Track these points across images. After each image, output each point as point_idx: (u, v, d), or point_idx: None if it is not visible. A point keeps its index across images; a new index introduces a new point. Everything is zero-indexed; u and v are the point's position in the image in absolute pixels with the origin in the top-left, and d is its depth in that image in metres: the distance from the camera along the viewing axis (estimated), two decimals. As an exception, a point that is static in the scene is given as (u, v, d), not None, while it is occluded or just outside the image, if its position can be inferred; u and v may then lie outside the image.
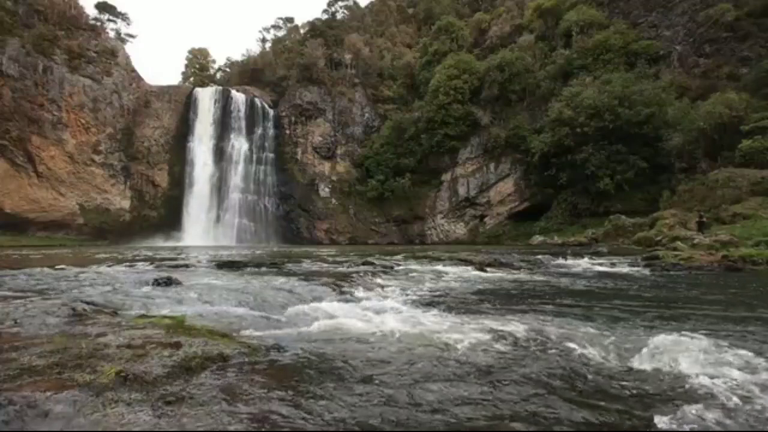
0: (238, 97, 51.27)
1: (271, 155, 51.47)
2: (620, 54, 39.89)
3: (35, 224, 42.98)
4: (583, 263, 14.14)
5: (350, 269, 10.75)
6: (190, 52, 77.05)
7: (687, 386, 2.77)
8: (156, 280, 7.37)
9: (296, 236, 49.80)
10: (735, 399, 2.56)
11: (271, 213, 50.70)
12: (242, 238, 46.95)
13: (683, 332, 4.18)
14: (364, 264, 12.40)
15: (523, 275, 10.93)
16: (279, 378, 2.90)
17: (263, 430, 2.11)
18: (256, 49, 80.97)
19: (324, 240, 49.02)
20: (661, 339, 3.90)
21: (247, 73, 61.96)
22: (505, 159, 44.63)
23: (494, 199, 45.29)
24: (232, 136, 50.12)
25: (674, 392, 2.71)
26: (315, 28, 63.34)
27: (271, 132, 52.13)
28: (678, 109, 32.43)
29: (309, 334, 4.31)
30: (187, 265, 11.94)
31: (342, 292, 7.28)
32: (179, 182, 48.74)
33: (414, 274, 10.59)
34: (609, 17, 43.61)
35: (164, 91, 51.26)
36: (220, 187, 48.76)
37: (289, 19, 73.62)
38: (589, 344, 3.89)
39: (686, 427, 2.26)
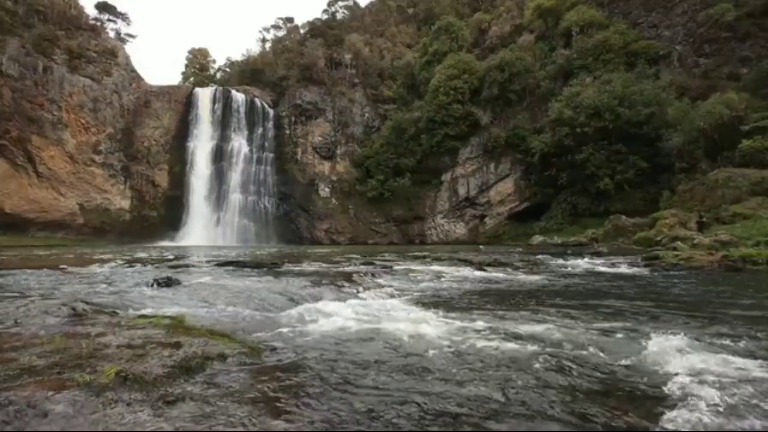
0: (238, 97, 51.24)
1: (271, 155, 51.43)
2: (620, 54, 39.88)
3: (35, 224, 42.93)
4: (583, 263, 14.13)
5: (350, 269, 10.75)
6: (190, 52, 77.10)
7: (685, 387, 2.77)
8: (156, 280, 7.38)
9: (296, 236, 49.78)
10: (732, 400, 2.56)
11: (271, 213, 50.67)
12: (242, 239, 46.89)
13: (682, 333, 4.18)
14: (364, 264, 12.40)
15: (522, 275, 10.92)
16: (279, 378, 2.90)
17: (263, 429, 2.11)
18: (256, 49, 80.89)
19: (324, 240, 49.01)
20: (660, 339, 3.91)
21: (247, 73, 61.87)
22: (505, 159, 44.62)
23: (494, 199, 45.29)
24: (232, 136, 50.07)
25: (672, 393, 2.71)
26: (315, 28, 63.35)
27: (271, 132, 52.10)
28: (678, 109, 32.38)
29: (309, 334, 4.31)
30: (187, 265, 11.95)
31: (342, 292, 7.28)
32: (179, 182, 48.70)
33: (414, 274, 10.58)
34: (609, 17, 43.58)
35: (164, 91, 51.22)
36: (220, 187, 48.70)
37: (289, 19, 73.55)
38: (587, 344, 3.89)
39: (683, 428, 2.27)
